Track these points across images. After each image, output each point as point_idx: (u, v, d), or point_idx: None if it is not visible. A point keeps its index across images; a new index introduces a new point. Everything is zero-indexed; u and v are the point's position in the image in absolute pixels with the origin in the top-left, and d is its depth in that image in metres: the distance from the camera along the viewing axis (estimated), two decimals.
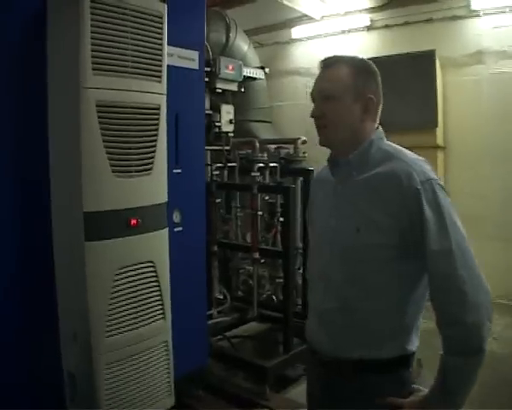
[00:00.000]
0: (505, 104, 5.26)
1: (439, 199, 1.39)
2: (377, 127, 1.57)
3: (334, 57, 1.56)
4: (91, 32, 2.11)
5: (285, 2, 5.65)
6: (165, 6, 2.39)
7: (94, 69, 2.13)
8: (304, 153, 4.18)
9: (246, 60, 5.16)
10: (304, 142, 4.12)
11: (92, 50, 2.12)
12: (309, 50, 6.67)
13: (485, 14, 5.37)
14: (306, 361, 1.79)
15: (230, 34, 5.34)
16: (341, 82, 1.50)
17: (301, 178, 3.94)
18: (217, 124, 3.88)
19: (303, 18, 6.45)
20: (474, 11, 5.42)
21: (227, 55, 4.60)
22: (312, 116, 1.56)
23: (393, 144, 1.55)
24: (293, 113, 6.63)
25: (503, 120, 5.26)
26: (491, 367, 3.64)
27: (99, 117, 2.16)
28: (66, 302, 2.35)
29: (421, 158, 1.49)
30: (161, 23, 2.38)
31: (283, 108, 6.88)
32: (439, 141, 5.58)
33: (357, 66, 1.53)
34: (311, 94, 1.58)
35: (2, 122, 2.26)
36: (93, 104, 2.14)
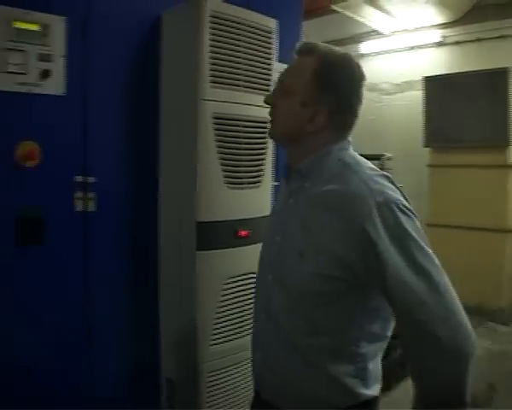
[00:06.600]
0: None
1: (402, 223, 1.12)
2: (344, 138, 1.32)
3: (310, 45, 1.29)
4: (210, 46, 2.16)
5: (356, 18, 5.65)
6: (276, 22, 2.43)
7: (212, 82, 2.18)
8: (389, 170, 4.10)
9: None
10: (389, 158, 4.07)
11: (211, 63, 2.17)
12: (377, 66, 6.64)
13: None
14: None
15: None
16: (300, 78, 1.26)
17: None
18: None
19: (372, 33, 6.44)
20: None
21: None
22: (264, 102, 1.35)
23: (358, 156, 1.30)
24: (358, 127, 6.55)
25: None
26: None
27: (215, 129, 2.21)
28: (171, 310, 2.39)
29: (383, 173, 1.23)
30: (271, 38, 2.42)
31: None
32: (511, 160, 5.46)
33: (329, 63, 1.25)
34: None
35: (119, 125, 2.37)
36: (210, 116, 2.19)
